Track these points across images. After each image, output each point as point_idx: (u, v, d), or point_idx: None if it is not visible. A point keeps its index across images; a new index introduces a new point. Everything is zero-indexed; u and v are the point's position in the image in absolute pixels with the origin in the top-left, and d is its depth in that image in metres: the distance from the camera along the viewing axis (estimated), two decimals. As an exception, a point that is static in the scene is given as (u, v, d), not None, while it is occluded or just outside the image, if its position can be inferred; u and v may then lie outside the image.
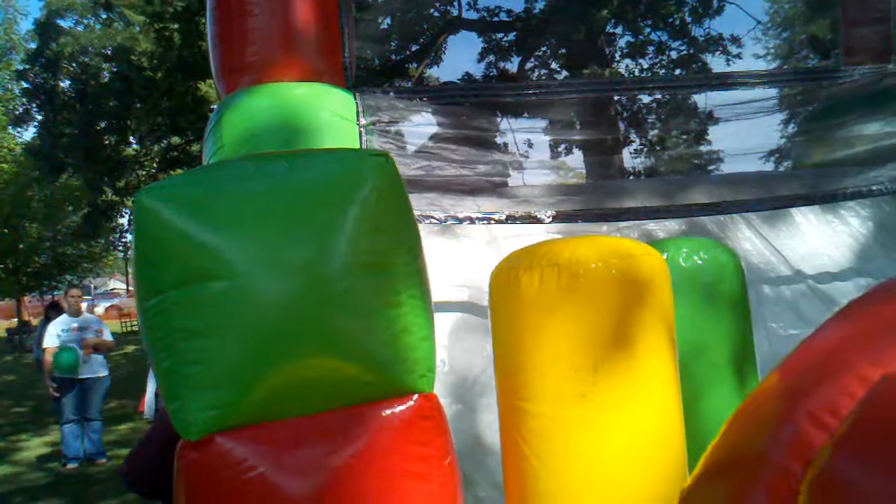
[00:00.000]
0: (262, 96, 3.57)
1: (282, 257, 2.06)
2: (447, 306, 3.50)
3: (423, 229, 2.96)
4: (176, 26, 14.17)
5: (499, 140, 4.72)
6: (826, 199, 4.08)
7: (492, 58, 14.90)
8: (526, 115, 5.50)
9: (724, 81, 4.85)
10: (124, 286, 42.67)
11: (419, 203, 3.46)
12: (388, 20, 14.51)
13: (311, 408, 2.10)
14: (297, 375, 2.07)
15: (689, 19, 14.57)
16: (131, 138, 17.88)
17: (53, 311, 10.96)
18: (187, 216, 2.05)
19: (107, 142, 17.01)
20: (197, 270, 2.02)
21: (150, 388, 6.99)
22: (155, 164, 17.78)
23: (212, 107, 13.24)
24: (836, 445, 1.42)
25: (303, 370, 2.07)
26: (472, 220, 3.53)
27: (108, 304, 32.69)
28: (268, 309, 2.03)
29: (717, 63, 14.57)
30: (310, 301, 2.06)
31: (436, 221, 3.49)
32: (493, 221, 3.56)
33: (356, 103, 3.67)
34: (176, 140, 16.52)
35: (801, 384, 1.60)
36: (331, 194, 2.14)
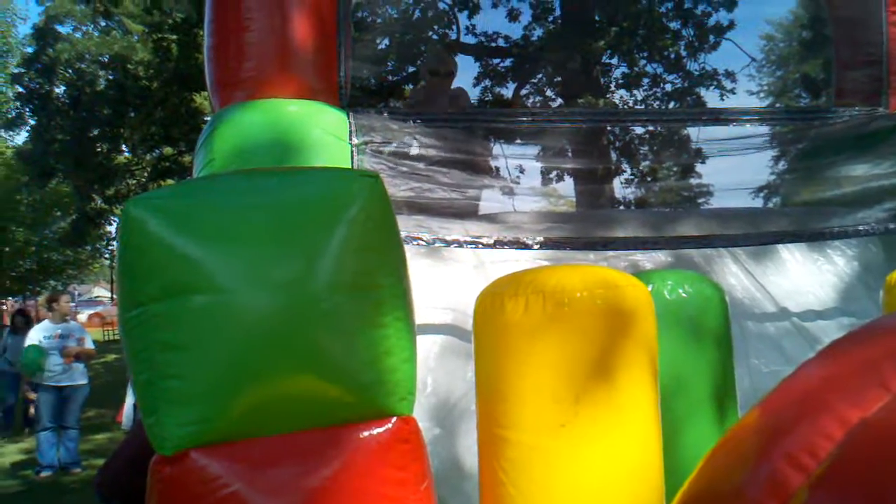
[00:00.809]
0: (255, 112, 3.57)
1: (266, 274, 2.05)
2: (431, 329, 3.49)
3: (410, 251, 2.96)
4: (174, 37, 14.20)
5: (491, 165, 4.73)
6: (813, 237, 4.10)
7: (488, 82, 14.97)
8: (518, 141, 5.52)
9: (718, 117, 4.89)
10: (108, 294, 42.44)
11: (407, 224, 3.46)
12: (386, 41, 14.58)
13: (288, 426, 2.08)
14: (277, 393, 2.05)
15: (684, 53, 14.68)
16: (123, 147, 17.87)
17: (20, 318, 10.86)
18: (173, 228, 2.04)
19: (99, 149, 16.99)
20: (180, 283, 2.01)
21: (130, 398, 6.94)
22: (146, 174, 17.75)
23: (205, 119, 13.24)
24: (813, 487, 1.41)
25: (282, 388, 2.06)
26: (459, 244, 3.53)
27: (91, 312, 32.47)
28: (250, 325, 2.02)
29: (711, 97, 14.66)
30: (292, 319, 2.05)
31: (423, 244, 3.49)
32: (480, 245, 3.56)
33: (349, 122, 3.67)
34: (168, 151, 16.52)
35: (781, 423, 1.60)
36: (319, 213, 2.13)
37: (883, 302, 2.98)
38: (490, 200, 4.56)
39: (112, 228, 21.31)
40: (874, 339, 1.68)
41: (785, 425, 1.58)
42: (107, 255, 29.35)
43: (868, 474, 1.34)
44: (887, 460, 1.33)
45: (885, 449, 1.35)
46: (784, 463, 1.48)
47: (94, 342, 9.19)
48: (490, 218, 4.25)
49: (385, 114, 4.04)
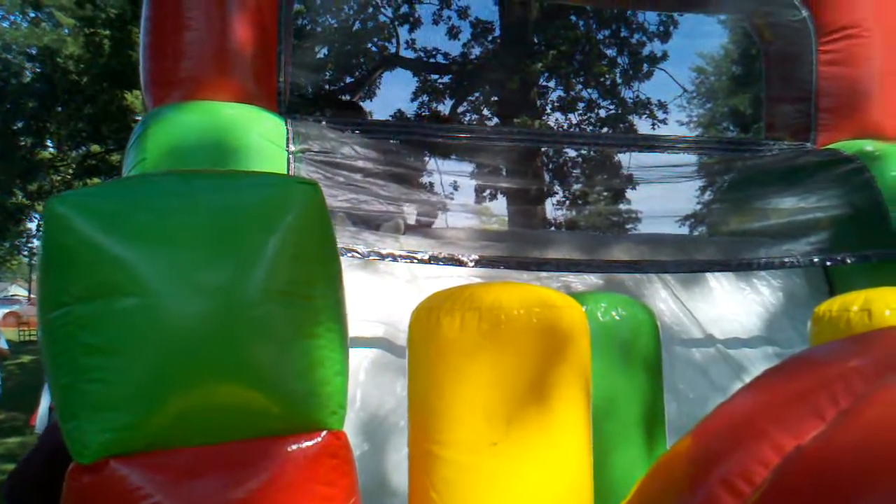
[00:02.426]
0: (191, 113, 3.49)
1: (197, 278, 1.98)
2: (363, 342, 3.44)
3: (345, 263, 2.91)
4: (107, 33, 13.88)
5: (425, 180, 4.71)
6: (741, 267, 4.17)
7: (425, 98, 15.02)
8: (454, 157, 5.52)
9: (652, 144, 4.96)
10: (26, 293, 41.09)
11: (342, 236, 3.41)
12: (325, 50, 14.51)
13: (214, 437, 2.01)
14: (203, 402, 1.98)
15: (619, 80, 14.97)
16: (48, 142, 17.36)
17: None
18: (100, 227, 1.96)
19: (22, 143, 16.46)
20: (106, 285, 1.93)
21: (45, 401, 6.69)
22: (71, 171, 17.25)
23: (136, 117, 12.97)
24: (747, 514, 1.42)
25: (209, 397, 1.99)
26: (394, 258, 3.49)
27: (6, 311, 31.35)
28: (177, 331, 1.95)
29: (643, 125, 14.99)
30: (222, 326, 1.99)
31: (358, 256, 3.44)
32: (415, 260, 3.53)
33: (287, 129, 3.61)
34: (96, 148, 16.11)
35: (716, 449, 1.60)
36: (254, 218, 2.08)
37: (810, 333, 3.04)
38: (424, 216, 4.54)
39: (33, 225, 20.67)
40: (808, 369, 1.71)
41: (721, 452, 1.58)
42: (25, 253, 28.41)
43: (803, 500, 1.35)
44: (821, 487, 1.34)
45: (819, 476, 1.36)
46: (720, 489, 1.49)
47: (9, 342, 8.85)
48: (425, 233, 4.23)
49: (323, 122, 3.99)
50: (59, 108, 15.26)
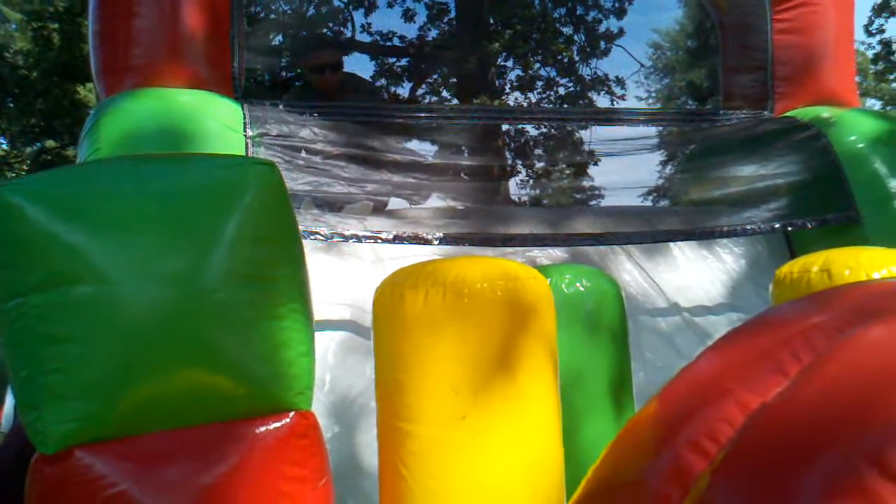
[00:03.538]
0: (145, 100, 3.43)
1: (155, 264, 1.95)
2: (330, 324, 3.42)
3: (308, 245, 2.88)
4: (56, 26, 13.64)
5: (388, 159, 4.67)
6: (703, 235, 4.20)
7: (383, 81, 14.92)
8: (415, 138, 5.49)
9: (611, 117, 4.99)
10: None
11: (304, 219, 3.38)
12: (280, 37, 14.36)
13: (180, 422, 1.99)
14: (167, 388, 1.96)
15: (577, 58, 14.99)
16: (1, 139, 17.05)
17: None
18: (54, 215, 1.93)
19: (-26, 141, 16.18)
20: (62, 273, 1.90)
21: (10, 399, 6.58)
22: (25, 167, 16.97)
23: (89, 111, 12.74)
24: (714, 472, 1.43)
25: (173, 383, 1.96)
26: (358, 239, 3.47)
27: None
28: (137, 317, 1.92)
29: (602, 102, 15.02)
30: (183, 311, 1.96)
31: (321, 238, 3.41)
32: (379, 241, 3.51)
33: (244, 114, 3.56)
34: (50, 144, 15.85)
35: (681, 411, 1.61)
36: (212, 200, 2.05)
37: (772, 295, 3.07)
38: (385, 196, 4.52)
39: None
40: (770, 328, 1.72)
41: (686, 413, 1.59)
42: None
43: (768, 457, 1.36)
44: (786, 443, 1.35)
45: (783, 432, 1.37)
46: (686, 449, 1.50)
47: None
48: (389, 213, 4.21)
49: (281, 106, 3.94)
50: (11, 104, 14.99)
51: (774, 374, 1.50)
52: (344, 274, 3.69)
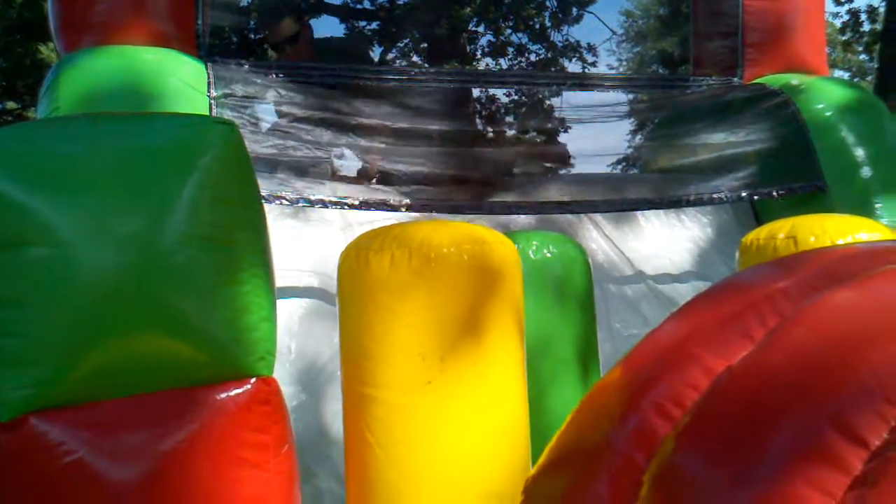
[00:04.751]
0: (106, 57, 3.34)
1: (112, 225, 1.90)
2: (297, 291, 3.38)
3: (273, 211, 2.84)
4: (17, -16, 13.32)
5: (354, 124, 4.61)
6: (671, 204, 4.20)
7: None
8: (385, 103, 5.42)
9: (583, 82, 4.95)
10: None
11: (270, 183, 3.32)
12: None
13: (138, 388, 1.95)
14: (125, 353, 1.91)
15: (549, 24, 14.89)
16: (-39, 99, 16.69)
17: None
18: (5, 175, 1.87)
19: (-67, 101, 15.81)
20: (13, 235, 1.85)
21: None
22: (-13, 129, 16.62)
23: (53, 72, 12.50)
24: (678, 437, 1.42)
25: (131, 348, 1.92)
26: (324, 204, 3.42)
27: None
28: (93, 280, 1.87)
29: (573, 69, 14.95)
30: (141, 273, 1.91)
31: (287, 203, 3.35)
32: (347, 207, 3.47)
33: (208, 74, 3.48)
34: (11, 105, 15.52)
35: (647, 376, 1.60)
36: (170, 160, 2.00)
37: (738, 262, 3.08)
38: (351, 160, 4.47)
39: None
40: (736, 293, 1.71)
41: (651, 377, 1.58)
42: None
43: (732, 420, 1.35)
44: (751, 406, 1.35)
45: (748, 395, 1.36)
46: (652, 413, 1.49)
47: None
48: (355, 179, 4.16)
49: (246, 66, 3.86)
50: (-30, 65, 14.66)
51: (740, 339, 1.49)
52: (311, 240, 3.64)
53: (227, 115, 3.40)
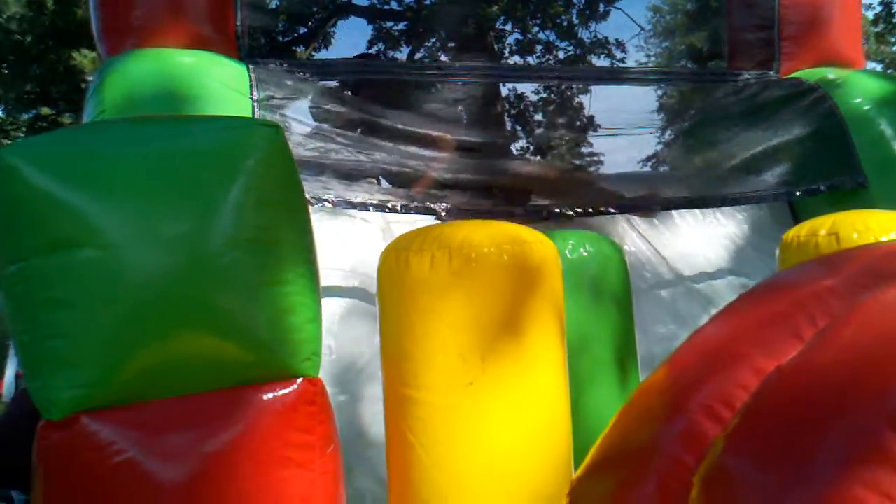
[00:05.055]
0: (148, 61, 3.36)
1: (159, 227, 1.93)
2: (337, 292, 3.39)
3: (315, 212, 2.85)
4: (50, -10, 13.49)
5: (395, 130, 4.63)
6: (708, 203, 4.16)
7: (381, 46, 14.78)
8: (421, 107, 5.43)
9: (616, 76, 4.92)
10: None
11: (312, 186, 3.33)
12: (276, 1, 14.20)
13: (186, 389, 1.97)
14: (173, 354, 1.94)
15: (576, 21, 14.84)
16: (-2, 105, 16.94)
17: None
18: (55, 177, 1.89)
19: (-32, 108, 16.06)
20: (64, 237, 1.87)
21: (10, 369, 6.59)
22: (21, 134, 16.84)
23: (86, 78, 12.64)
24: (728, 438, 1.41)
25: (178, 348, 1.95)
26: (366, 207, 3.43)
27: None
28: (142, 282, 1.90)
29: (602, 65, 14.88)
30: (188, 275, 1.94)
31: (328, 205, 3.37)
32: (387, 210, 3.48)
33: (249, 76, 3.50)
34: (46, 111, 15.72)
35: (694, 377, 1.59)
36: (216, 163, 2.02)
37: (778, 259, 3.05)
38: (392, 164, 4.47)
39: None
40: (782, 292, 1.70)
41: (698, 378, 1.57)
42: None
43: (783, 421, 1.34)
44: (802, 406, 1.34)
45: (799, 396, 1.36)
46: (700, 414, 1.48)
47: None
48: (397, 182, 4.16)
49: (285, 67, 3.88)
50: (5, 71, 14.85)
51: (790, 338, 1.48)
52: (352, 240, 3.65)
53: (269, 117, 3.42)
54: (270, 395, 2.04)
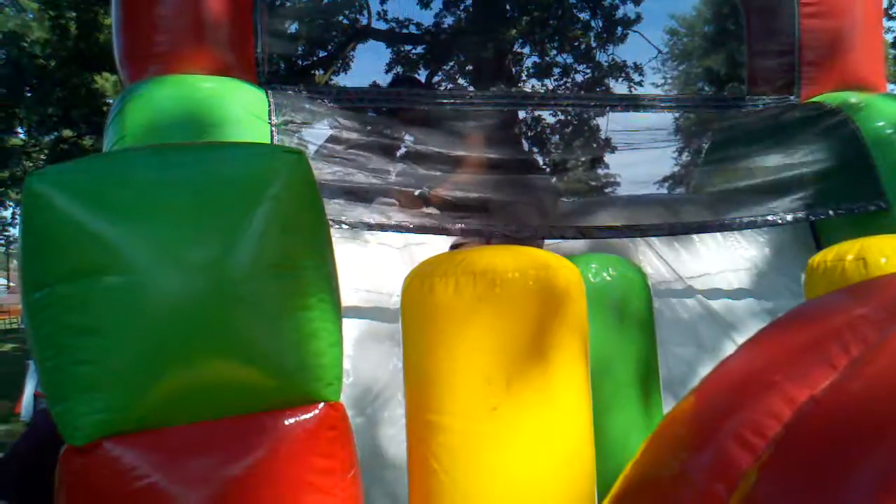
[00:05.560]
0: (169, 87, 3.39)
1: (184, 254, 1.93)
2: (354, 313, 3.39)
3: (333, 234, 2.85)
4: (72, 15, 13.66)
5: (409, 150, 4.64)
6: (729, 227, 4.14)
7: (399, 69, 14.88)
8: (438, 130, 5.44)
9: (635, 103, 4.90)
10: (5, 282, 40.65)
11: (330, 208, 3.34)
12: (294, 26, 14.32)
13: (209, 414, 1.97)
14: (196, 379, 1.94)
15: (594, 44, 14.89)
16: (19, 128, 17.11)
17: None
18: (81, 204, 1.90)
19: (-8, 130, 16.23)
20: (89, 263, 1.88)
21: (29, 388, 6.62)
22: (43, 157, 17.02)
23: (107, 101, 12.79)
24: (762, 467, 1.39)
25: (202, 374, 1.94)
26: (382, 228, 3.44)
27: (-16, 301, 31.05)
28: (166, 308, 1.90)
29: (619, 88, 14.94)
30: (212, 301, 1.94)
31: (346, 227, 3.38)
32: (403, 230, 3.48)
33: (268, 101, 3.53)
34: (67, 133, 15.89)
35: (723, 405, 1.58)
36: (240, 189, 2.02)
37: (805, 284, 3.03)
38: (408, 186, 4.47)
39: (7, 213, 20.41)
40: (813, 320, 1.68)
41: (729, 406, 1.55)
42: (2, 241, 28.06)
43: (818, 451, 1.32)
44: (837, 437, 1.31)
45: (835, 425, 1.33)
46: (731, 443, 1.46)
47: (-11, 332, 8.76)
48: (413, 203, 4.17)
49: (303, 93, 3.90)
50: (28, 94, 15.03)
51: (822, 367, 1.46)
52: (368, 262, 3.66)
53: (287, 141, 3.44)
54: (292, 421, 2.03)
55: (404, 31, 14.64)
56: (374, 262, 3.65)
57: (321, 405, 2.08)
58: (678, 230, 4.15)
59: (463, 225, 3.60)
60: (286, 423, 2.03)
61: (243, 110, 3.37)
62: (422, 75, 14.76)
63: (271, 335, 2.01)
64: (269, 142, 3.32)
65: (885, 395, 1.31)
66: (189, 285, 1.92)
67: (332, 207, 3.35)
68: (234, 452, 1.96)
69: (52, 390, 1.93)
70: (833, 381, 1.41)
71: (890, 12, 17.49)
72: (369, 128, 3.87)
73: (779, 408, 1.44)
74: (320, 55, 14.65)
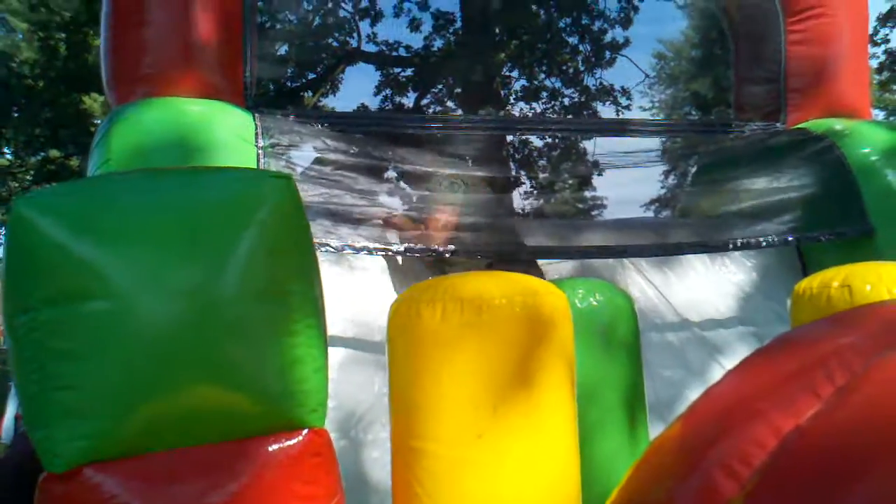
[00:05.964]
0: (156, 110, 3.39)
1: (169, 279, 1.91)
2: (337, 339, 3.38)
3: (319, 258, 2.85)
4: (62, 36, 13.66)
5: (392, 173, 4.65)
6: (715, 248, 4.16)
7: (388, 91, 14.93)
8: (426, 151, 5.45)
9: (622, 127, 4.93)
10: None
11: (316, 231, 3.34)
12: (284, 48, 14.36)
13: (192, 440, 1.94)
14: (179, 406, 1.92)
15: (582, 68, 14.99)
16: (6, 148, 17.05)
17: None
18: (66, 229, 1.89)
19: (-22, 150, 16.17)
20: (74, 288, 1.86)
21: (10, 410, 6.55)
22: (29, 177, 16.95)
23: (95, 121, 12.77)
24: (748, 496, 1.38)
25: (185, 400, 1.92)
26: (369, 251, 3.43)
27: (-33, 322, 30.77)
28: (150, 333, 1.88)
29: (607, 112, 15.03)
30: (197, 327, 1.92)
31: (332, 250, 3.37)
32: (390, 253, 3.48)
33: (255, 124, 3.53)
34: (54, 153, 15.83)
35: (709, 433, 1.57)
36: (226, 214, 2.01)
37: (791, 310, 3.04)
38: (395, 207, 4.48)
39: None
40: (799, 349, 1.68)
41: (714, 435, 1.55)
42: (-15, 263, 27.84)
43: (805, 481, 1.32)
44: (824, 466, 1.31)
45: (821, 455, 1.33)
46: (716, 471, 1.45)
47: (-29, 353, 8.67)
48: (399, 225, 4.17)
49: (291, 116, 3.91)
50: (16, 114, 14.99)
51: (807, 396, 1.46)
52: (352, 286, 3.65)
53: (274, 164, 3.44)
54: (276, 447, 2.01)
55: (394, 53, 14.71)
56: (357, 287, 3.65)
57: (305, 431, 2.07)
58: (669, 251, 4.16)
59: (452, 246, 3.60)
60: (270, 449, 2.01)
61: (230, 134, 3.37)
62: (410, 98, 14.82)
63: (256, 361, 1.99)
64: (255, 165, 3.31)
65: (869, 426, 1.31)
66: (174, 311, 1.91)
67: (317, 229, 3.34)
68: (217, 479, 1.94)
69: (32, 416, 1.91)
70: (818, 410, 1.41)
71: (875, 38, 17.69)
72: (356, 149, 3.87)
73: (764, 437, 1.43)
74: (309, 77, 14.69)
